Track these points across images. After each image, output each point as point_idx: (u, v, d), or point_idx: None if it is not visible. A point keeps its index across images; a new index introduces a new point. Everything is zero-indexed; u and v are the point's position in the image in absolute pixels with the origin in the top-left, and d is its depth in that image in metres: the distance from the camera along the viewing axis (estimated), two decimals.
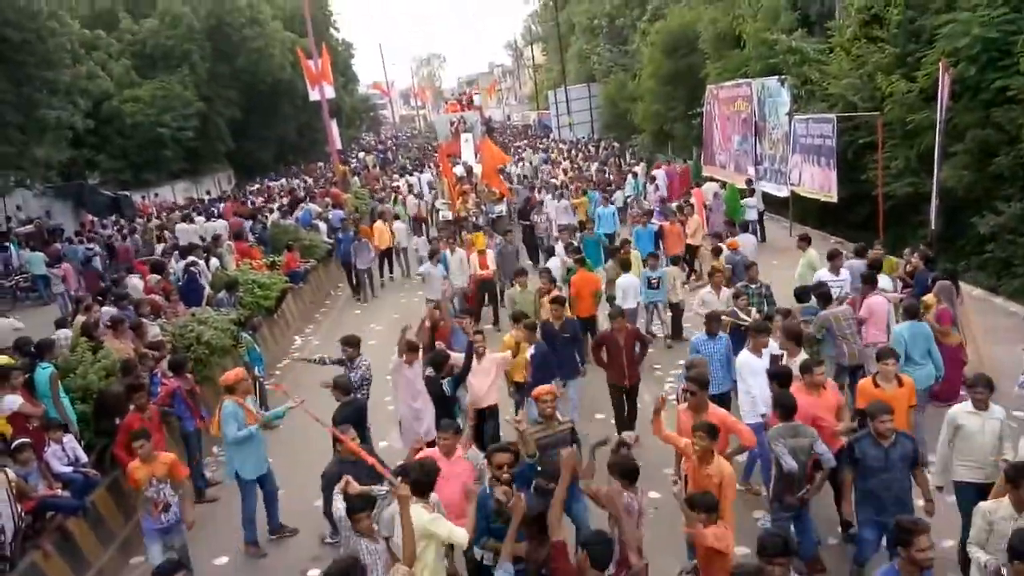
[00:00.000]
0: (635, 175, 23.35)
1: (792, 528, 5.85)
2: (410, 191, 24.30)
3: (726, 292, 9.86)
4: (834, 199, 15.86)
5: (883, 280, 9.39)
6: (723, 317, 8.65)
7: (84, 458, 7.59)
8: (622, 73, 36.54)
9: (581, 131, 43.92)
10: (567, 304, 11.26)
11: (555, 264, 12.70)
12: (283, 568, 7.11)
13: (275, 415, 7.91)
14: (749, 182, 19.12)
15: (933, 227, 12.75)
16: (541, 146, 39.41)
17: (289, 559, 7.23)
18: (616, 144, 36.94)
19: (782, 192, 18.73)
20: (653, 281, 11.71)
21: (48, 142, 23.47)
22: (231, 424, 7.11)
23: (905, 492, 5.51)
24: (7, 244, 20.96)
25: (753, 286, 9.84)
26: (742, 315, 8.96)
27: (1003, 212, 12.81)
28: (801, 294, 9.11)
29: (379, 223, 18.13)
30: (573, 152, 34.80)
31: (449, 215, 19.13)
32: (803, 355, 7.13)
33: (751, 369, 7.20)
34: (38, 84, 22.25)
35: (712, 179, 21.95)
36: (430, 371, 7.72)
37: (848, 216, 17.29)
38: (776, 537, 4.43)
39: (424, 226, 21.66)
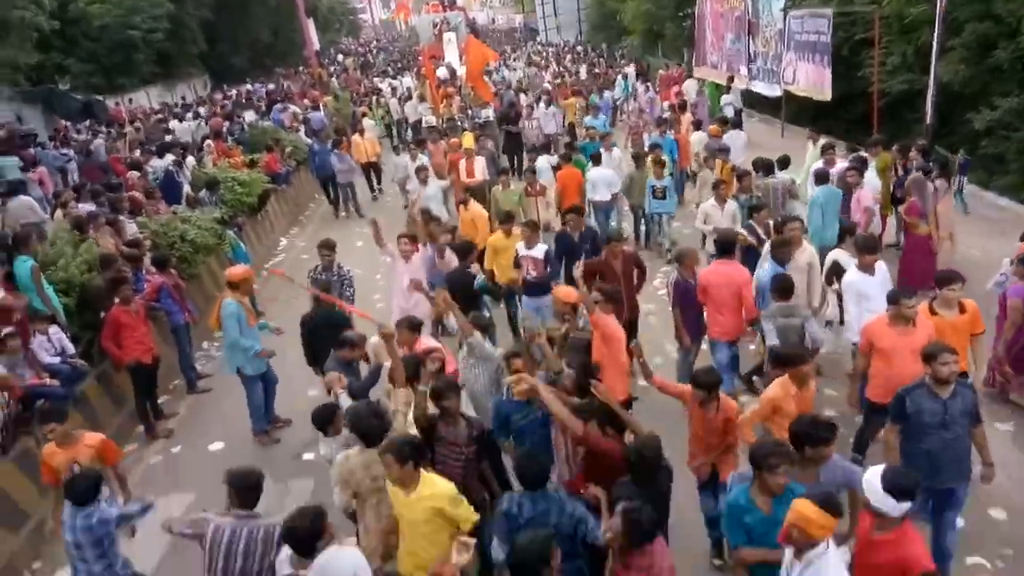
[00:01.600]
0: (625, 76, 22.77)
1: None
2: (393, 94, 23.62)
3: (731, 205, 8.96)
4: (828, 98, 15.54)
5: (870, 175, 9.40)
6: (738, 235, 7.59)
7: (71, 349, 7.52)
8: None
9: (568, 34, 42.62)
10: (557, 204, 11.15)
11: (543, 163, 12.40)
12: (280, 452, 7.20)
13: (263, 325, 7.66)
14: (731, 79, 18.84)
15: (929, 122, 12.56)
16: (531, 51, 38.18)
17: (285, 446, 7.31)
18: (605, 46, 35.93)
19: (775, 92, 18.34)
20: (659, 191, 10.63)
21: (13, 44, 22.46)
22: (233, 324, 6.92)
23: (965, 452, 4.52)
24: None
25: (743, 196, 9.12)
26: (759, 230, 7.85)
27: (999, 107, 12.61)
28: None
29: (356, 136, 16.64)
30: (560, 55, 33.82)
31: (433, 120, 18.36)
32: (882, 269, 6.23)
33: (864, 291, 6.05)
34: None
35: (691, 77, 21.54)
36: (454, 262, 7.71)
37: (843, 115, 17.01)
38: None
39: (400, 131, 20.95)
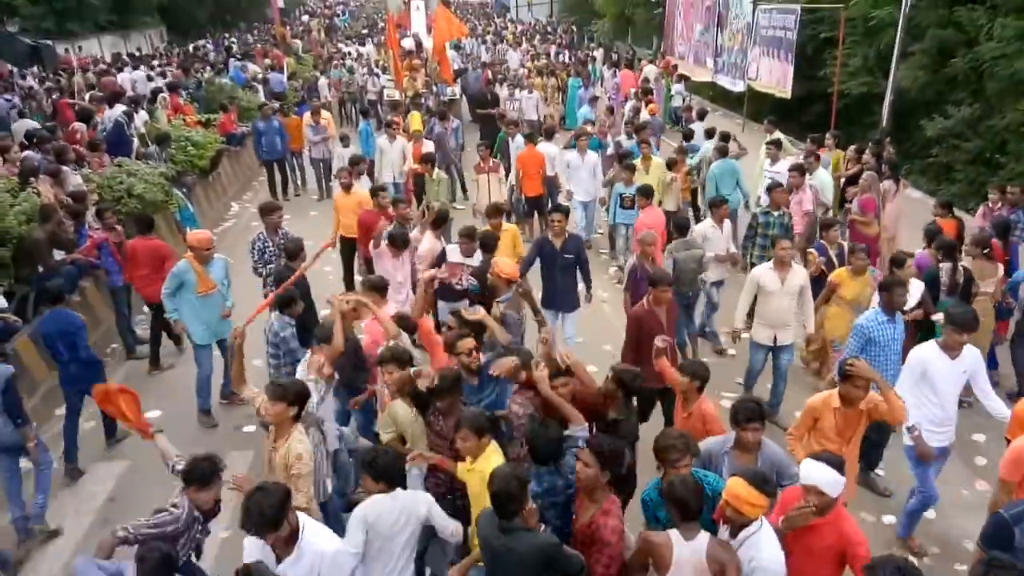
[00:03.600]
0: (593, 60, 22.70)
1: None
2: (358, 61, 23.04)
3: (728, 226, 7.99)
4: (788, 95, 15.74)
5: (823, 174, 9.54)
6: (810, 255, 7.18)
7: (3, 304, 7.22)
8: None
9: (540, 12, 42.31)
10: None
11: (520, 141, 11.72)
12: (221, 424, 7.03)
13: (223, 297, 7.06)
14: (675, 68, 19.11)
15: (884, 126, 12.82)
16: (500, 27, 37.73)
17: (227, 415, 7.14)
18: (574, 28, 35.74)
19: (737, 87, 18.53)
20: (627, 200, 9.45)
21: None
22: (171, 281, 6.70)
23: None
24: None
25: (776, 212, 7.95)
26: (831, 251, 7.28)
27: (952, 116, 12.93)
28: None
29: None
30: (529, 34, 33.53)
31: (396, 94, 17.22)
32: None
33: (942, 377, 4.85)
34: None
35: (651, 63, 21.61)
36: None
37: (801, 116, 17.27)
38: (749, 403, 4.12)
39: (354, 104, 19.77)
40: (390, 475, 3.79)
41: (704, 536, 3.41)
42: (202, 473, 3.90)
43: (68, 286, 7.94)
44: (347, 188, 9.15)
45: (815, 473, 3.47)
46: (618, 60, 22.32)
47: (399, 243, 7.07)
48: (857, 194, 8.84)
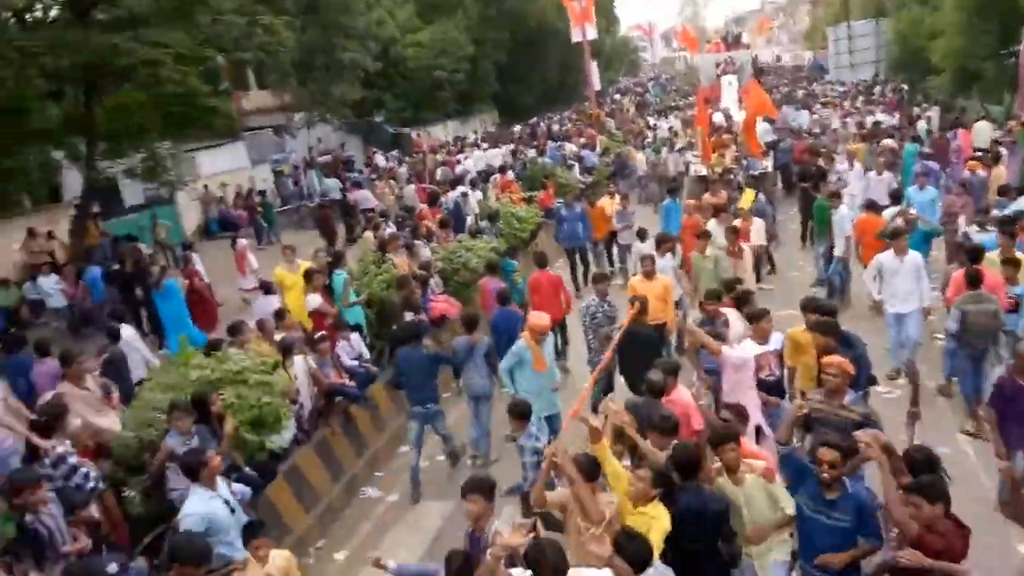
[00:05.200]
0: (928, 120, 20.64)
1: None
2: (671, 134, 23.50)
3: None
4: None
5: None
6: None
7: (367, 354, 8.68)
8: (917, 8, 32.14)
9: (863, 73, 39.62)
10: None
11: (844, 211, 10.45)
12: None
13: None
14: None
15: None
16: (820, 91, 36.08)
17: None
18: (905, 87, 32.89)
19: None
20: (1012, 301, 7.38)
21: (345, 82, 26.43)
22: (509, 360, 7.12)
23: None
24: (310, 170, 24.18)
25: None
26: None
27: None
28: None
29: (605, 198, 14.37)
30: (853, 95, 31.55)
31: (702, 170, 16.65)
32: None
33: None
34: (338, 30, 25.04)
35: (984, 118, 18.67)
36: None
37: None
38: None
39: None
40: None
41: None
42: None
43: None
44: (649, 275, 8.61)
45: None
46: (957, 120, 19.95)
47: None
48: None
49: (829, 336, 5.99)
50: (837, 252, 10.48)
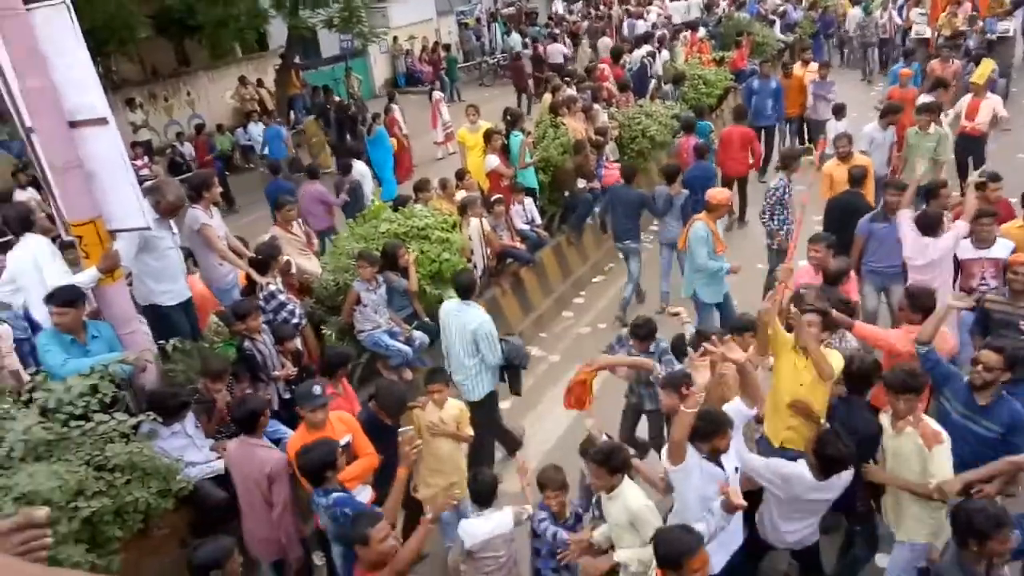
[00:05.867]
0: None
1: None
2: None
3: None
4: None
5: None
6: None
7: (539, 219, 8.89)
8: None
9: None
10: None
11: None
12: None
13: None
14: None
15: None
16: None
17: None
18: None
19: None
20: None
21: None
22: (701, 248, 6.84)
23: None
24: (493, 24, 23.90)
25: None
26: None
27: None
28: None
29: (798, 65, 12.70)
30: None
31: (926, 32, 14.83)
32: None
33: None
34: None
35: None
36: None
37: None
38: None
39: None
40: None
41: None
42: None
43: (584, 210, 9.42)
44: (845, 158, 7.99)
45: None
46: None
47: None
48: None
49: None
50: None
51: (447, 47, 21.46)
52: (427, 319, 6.77)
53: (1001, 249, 5.65)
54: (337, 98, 16.83)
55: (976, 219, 5.78)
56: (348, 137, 15.18)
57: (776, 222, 7.81)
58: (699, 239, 6.87)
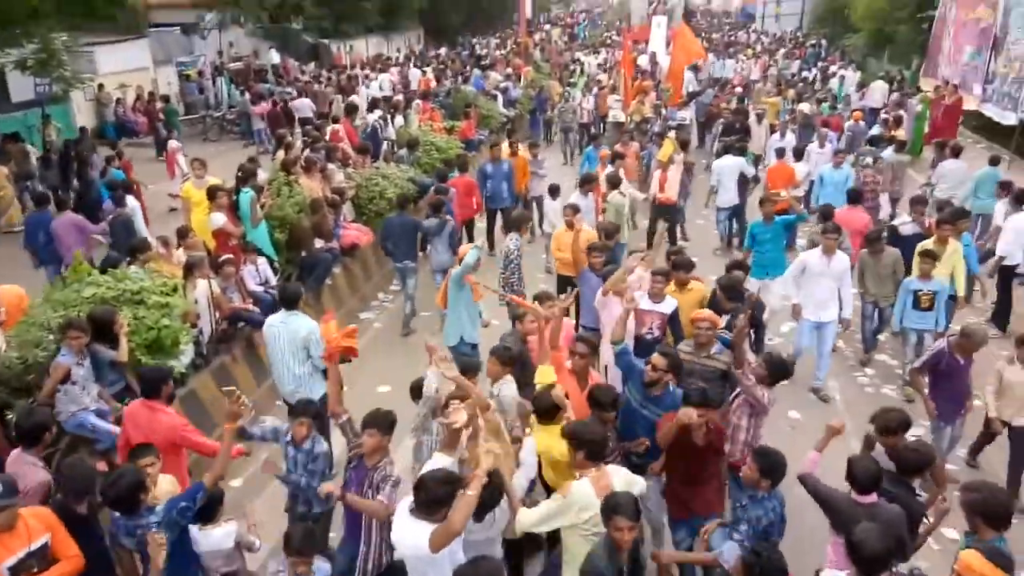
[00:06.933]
0: (842, 79, 21.31)
1: None
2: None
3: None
4: None
5: None
6: None
7: (273, 280, 8.47)
8: None
9: (788, 23, 40.32)
10: None
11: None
12: None
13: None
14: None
15: None
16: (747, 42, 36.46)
17: None
18: (823, 43, 33.73)
19: (1008, 119, 16.54)
20: (924, 299, 7.31)
21: None
22: (458, 290, 7.08)
23: None
24: (219, 78, 22.81)
25: None
26: None
27: None
28: None
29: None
30: (773, 47, 32.11)
31: (621, 117, 16.55)
32: None
33: None
34: None
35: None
36: None
37: None
38: None
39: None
40: None
41: None
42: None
43: (323, 271, 9.19)
44: (570, 225, 8.36)
45: None
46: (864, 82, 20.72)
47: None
48: None
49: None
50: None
51: (165, 98, 19.97)
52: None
53: (667, 306, 6.54)
54: (30, 147, 14.78)
55: (653, 275, 6.61)
56: (75, 181, 13.34)
57: (517, 279, 8.33)
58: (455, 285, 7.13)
